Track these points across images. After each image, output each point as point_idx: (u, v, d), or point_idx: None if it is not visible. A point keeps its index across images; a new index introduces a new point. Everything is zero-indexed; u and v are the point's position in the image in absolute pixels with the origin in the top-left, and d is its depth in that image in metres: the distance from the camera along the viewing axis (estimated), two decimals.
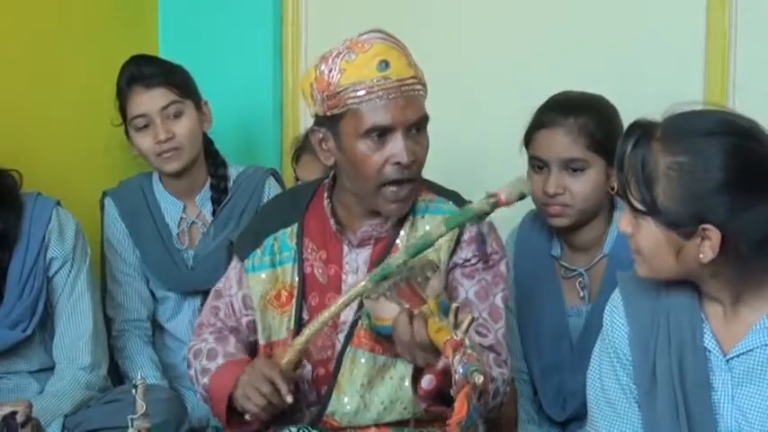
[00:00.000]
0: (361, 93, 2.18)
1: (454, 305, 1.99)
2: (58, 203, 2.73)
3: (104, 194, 3.07)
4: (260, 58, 3.40)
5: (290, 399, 2.12)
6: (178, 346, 3.06)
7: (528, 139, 2.69)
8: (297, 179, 3.12)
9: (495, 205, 2.11)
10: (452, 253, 2.26)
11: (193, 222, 3.05)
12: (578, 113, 2.60)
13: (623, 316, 2.05)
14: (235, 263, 2.39)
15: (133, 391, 2.09)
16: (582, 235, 2.69)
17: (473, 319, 1.93)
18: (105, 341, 2.82)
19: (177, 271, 3.00)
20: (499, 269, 2.29)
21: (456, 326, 1.91)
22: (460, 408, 1.80)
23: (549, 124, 2.62)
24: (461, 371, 1.81)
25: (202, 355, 2.34)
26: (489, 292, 2.27)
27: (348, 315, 2.28)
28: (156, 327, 3.10)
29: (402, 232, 2.29)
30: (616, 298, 2.08)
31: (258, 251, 2.35)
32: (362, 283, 2.09)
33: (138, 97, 2.92)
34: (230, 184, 3.03)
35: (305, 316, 2.30)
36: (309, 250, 2.33)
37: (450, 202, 2.30)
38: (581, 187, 2.62)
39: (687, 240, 1.91)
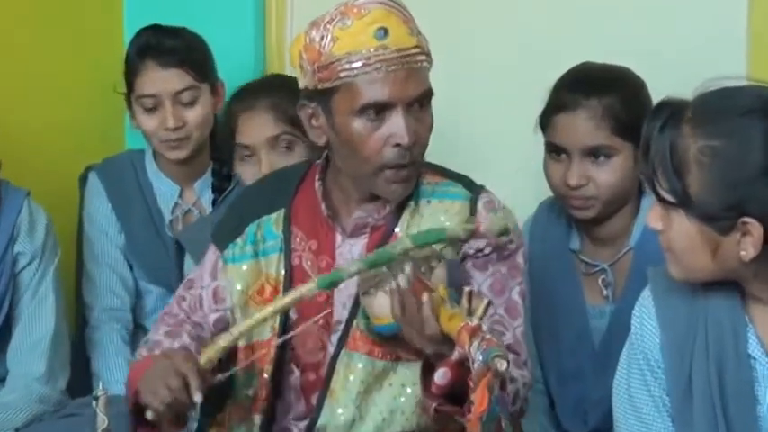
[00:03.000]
0: (357, 64, 2.11)
1: (467, 288, 1.95)
2: (29, 195, 2.66)
3: (88, 169, 3.00)
4: (240, 28, 3.32)
5: (198, 397, 2.04)
6: None
7: (544, 123, 2.61)
8: None
9: (471, 234, 2.11)
10: (463, 242, 2.19)
11: (189, 210, 2.99)
12: (602, 93, 2.54)
13: (654, 318, 2.00)
14: (213, 252, 2.34)
15: (94, 403, 2.03)
16: (606, 226, 2.63)
17: (489, 304, 1.90)
18: (67, 350, 2.73)
19: (167, 261, 2.93)
20: (515, 260, 2.23)
21: (470, 312, 1.89)
22: (481, 399, 1.77)
23: (568, 107, 2.56)
24: (481, 358, 1.78)
25: (145, 347, 2.31)
26: (505, 286, 2.21)
27: (342, 314, 2.23)
28: (134, 324, 3.01)
29: (402, 220, 2.22)
30: (646, 297, 2.03)
31: (239, 240, 2.29)
32: (310, 285, 2.07)
33: (150, 74, 2.84)
34: (234, 171, 2.97)
35: (292, 314, 2.23)
36: (298, 240, 2.27)
37: (461, 186, 2.24)
38: (607, 177, 2.56)
39: (725, 236, 1.86)
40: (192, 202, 2.99)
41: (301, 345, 2.23)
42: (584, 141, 2.55)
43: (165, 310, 2.40)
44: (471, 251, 2.21)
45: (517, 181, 2.79)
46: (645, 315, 2.02)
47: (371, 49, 2.11)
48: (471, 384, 1.79)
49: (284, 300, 2.09)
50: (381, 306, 2.05)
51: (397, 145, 2.14)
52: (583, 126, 2.54)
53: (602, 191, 2.56)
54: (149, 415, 2.10)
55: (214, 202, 2.96)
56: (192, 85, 2.85)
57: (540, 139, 2.64)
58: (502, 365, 1.76)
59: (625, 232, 2.62)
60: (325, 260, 2.25)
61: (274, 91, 2.85)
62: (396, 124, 2.13)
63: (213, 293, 2.32)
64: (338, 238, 2.25)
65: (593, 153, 2.55)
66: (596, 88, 2.54)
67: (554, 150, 2.60)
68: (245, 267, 2.29)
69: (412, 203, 2.23)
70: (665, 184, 1.87)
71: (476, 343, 1.80)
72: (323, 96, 2.17)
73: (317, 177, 2.28)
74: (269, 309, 2.09)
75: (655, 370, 2.00)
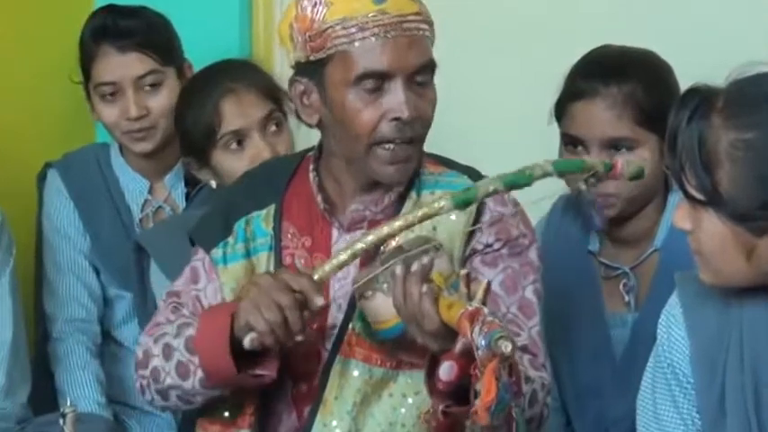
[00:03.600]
0: (352, 30, 2.07)
1: (463, 271, 1.92)
2: None
3: (47, 166, 2.93)
4: (225, 8, 3.27)
5: (319, 300, 1.99)
6: (128, 356, 2.88)
7: (559, 113, 2.55)
8: None
9: (610, 169, 2.04)
10: (470, 237, 2.14)
11: (160, 207, 2.92)
12: (622, 79, 2.46)
13: (683, 328, 1.95)
14: (199, 255, 2.26)
15: (61, 421, 1.97)
16: (629, 226, 2.57)
17: (489, 286, 1.86)
18: (26, 360, 2.65)
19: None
20: (528, 256, 2.18)
21: (470, 297, 1.85)
22: (488, 388, 1.73)
23: (585, 95, 2.49)
24: (483, 343, 1.74)
25: (172, 333, 2.18)
26: (518, 284, 2.17)
27: (336, 317, 2.17)
28: (103, 334, 2.94)
29: (403, 212, 2.15)
30: (674, 305, 1.97)
31: (230, 239, 2.22)
32: (441, 203, 1.98)
33: (107, 60, 2.78)
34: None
35: None
36: (289, 236, 2.21)
37: (466, 177, 2.18)
38: None
39: (760, 237, 1.81)
40: (163, 198, 2.93)
41: (293, 352, 2.14)
42: (603, 132, 2.47)
43: (155, 321, 2.27)
44: (480, 246, 2.16)
45: None
46: (672, 324, 1.96)
47: (369, 14, 2.06)
48: (477, 374, 1.76)
49: (415, 213, 1.99)
50: (381, 308, 2.00)
51: (396, 119, 2.09)
52: (602, 116, 2.47)
53: (623, 187, 2.46)
54: (247, 341, 2.00)
55: (188, 197, 2.90)
56: (154, 69, 2.79)
57: (554, 131, 2.57)
58: (507, 348, 1.71)
59: (650, 232, 2.56)
60: (319, 257, 2.19)
61: (248, 71, 2.75)
62: (395, 97, 2.08)
63: (213, 293, 2.24)
64: (334, 233, 2.20)
65: (614, 145, 2.48)
66: (616, 74, 2.47)
67: (570, 142, 2.52)
68: (237, 267, 2.23)
69: (413, 194, 2.19)
70: (694, 181, 1.82)
71: (477, 328, 1.75)
72: (315, 68, 2.12)
73: (310, 168, 2.21)
74: (397, 223, 1.99)
75: (684, 385, 1.94)
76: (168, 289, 2.31)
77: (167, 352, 2.15)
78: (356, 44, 2.07)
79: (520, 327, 2.14)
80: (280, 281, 2.01)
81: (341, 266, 2.03)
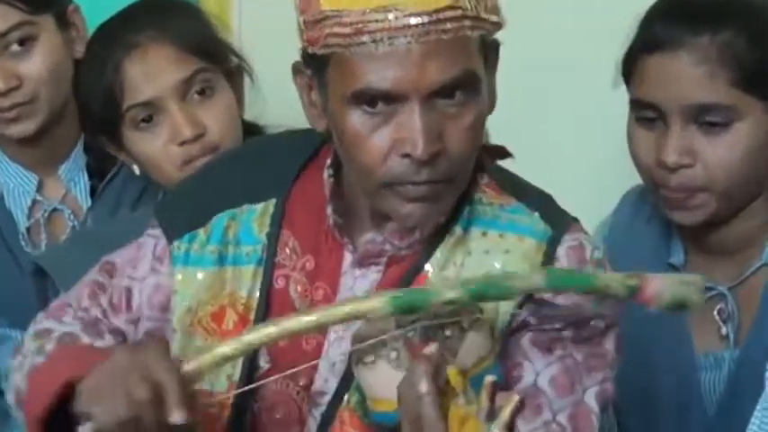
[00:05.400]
0: (347, 30, 1.78)
1: (489, 378, 1.73)
2: None
3: None
4: None
5: (178, 416, 1.76)
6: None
7: (629, 70, 2.30)
8: None
9: (634, 293, 1.76)
10: (520, 303, 1.89)
11: (56, 210, 2.63)
12: (718, 25, 2.21)
13: None
14: (156, 234, 2.04)
15: None
16: (725, 231, 2.31)
17: (522, 405, 1.72)
18: None
19: (28, 292, 2.57)
20: (602, 346, 1.91)
21: (492, 414, 1.71)
22: None
23: (666, 46, 2.23)
24: None
25: (49, 338, 2.02)
26: (577, 382, 1.89)
27: (328, 384, 1.95)
28: None
29: (438, 253, 1.91)
30: None
31: (201, 232, 1.98)
32: (373, 302, 1.75)
33: None
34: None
35: (262, 362, 1.94)
36: (288, 251, 1.96)
37: (537, 215, 1.91)
38: (724, 153, 2.23)
39: None
40: (59, 197, 2.61)
41: (269, 411, 1.95)
42: (688, 96, 2.20)
43: (64, 300, 2.08)
44: (533, 320, 1.90)
45: (581, 166, 2.60)
46: None
47: (368, 9, 1.77)
48: None
49: (342, 308, 1.76)
50: (382, 382, 1.80)
51: (407, 155, 1.80)
52: (687, 73, 2.20)
53: (715, 176, 2.22)
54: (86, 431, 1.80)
55: (93, 192, 2.60)
56: (21, 22, 2.45)
57: (621, 98, 2.32)
58: None
59: (756, 239, 2.31)
60: (322, 289, 1.95)
61: (166, 17, 2.43)
62: (407, 123, 1.79)
63: (153, 291, 2.02)
64: (347, 258, 1.95)
65: (704, 116, 2.21)
66: (709, 18, 2.22)
67: (643, 112, 2.25)
68: (200, 276, 1.97)
69: (458, 229, 1.90)
70: None
71: None
72: (318, 65, 1.85)
73: (327, 164, 1.94)
74: (312, 317, 1.77)
75: None
76: (108, 256, 2.09)
77: (34, 353, 1.97)
78: (353, 50, 1.78)
79: None
80: (136, 365, 1.77)
81: (225, 360, 1.79)
